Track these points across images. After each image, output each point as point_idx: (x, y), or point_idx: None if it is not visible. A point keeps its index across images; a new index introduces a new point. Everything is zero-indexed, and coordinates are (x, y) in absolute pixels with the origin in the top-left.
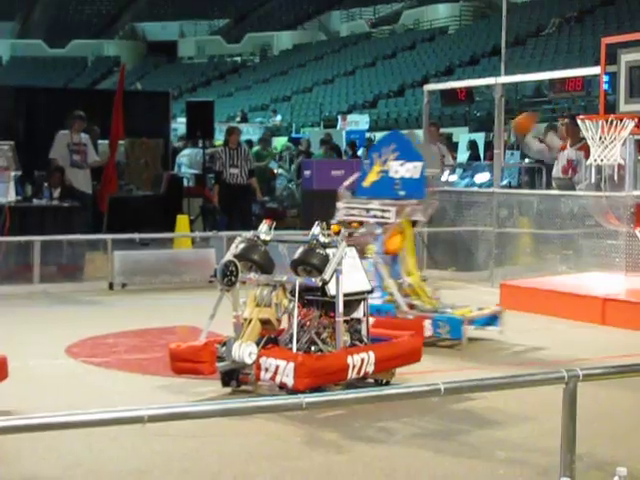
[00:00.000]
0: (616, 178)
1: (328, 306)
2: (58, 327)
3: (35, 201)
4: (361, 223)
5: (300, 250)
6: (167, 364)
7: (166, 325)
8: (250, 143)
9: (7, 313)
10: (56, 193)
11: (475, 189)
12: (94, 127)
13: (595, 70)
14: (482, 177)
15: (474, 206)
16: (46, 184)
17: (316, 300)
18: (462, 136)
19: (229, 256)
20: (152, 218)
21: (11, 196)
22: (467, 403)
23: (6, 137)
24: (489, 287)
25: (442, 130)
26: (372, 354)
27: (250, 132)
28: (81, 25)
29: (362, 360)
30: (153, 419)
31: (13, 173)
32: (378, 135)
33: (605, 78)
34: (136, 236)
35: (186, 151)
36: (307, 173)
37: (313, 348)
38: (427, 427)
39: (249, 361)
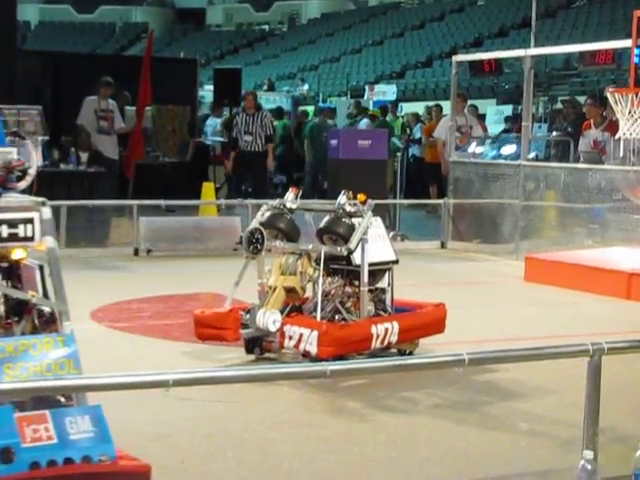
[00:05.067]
0: None
1: (353, 275)
2: (83, 292)
3: (62, 166)
4: None
5: (326, 219)
6: (191, 330)
7: (190, 292)
8: (280, 111)
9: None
10: (83, 158)
11: (502, 161)
12: (124, 92)
13: (626, 43)
14: (509, 149)
15: (501, 178)
16: (73, 149)
17: (341, 269)
18: (490, 108)
19: (255, 224)
20: (178, 185)
21: (39, 161)
22: (490, 375)
23: (34, 102)
24: (514, 260)
25: (470, 102)
26: (396, 324)
27: (277, 101)
28: None
29: (386, 330)
30: (178, 383)
31: (40, 138)
32: (405, 105)
33: (636, 51)
34: (162, 202)
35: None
36: (334, 142)
37: (337, 317)
38: (449, 398)
39: (273, 329)
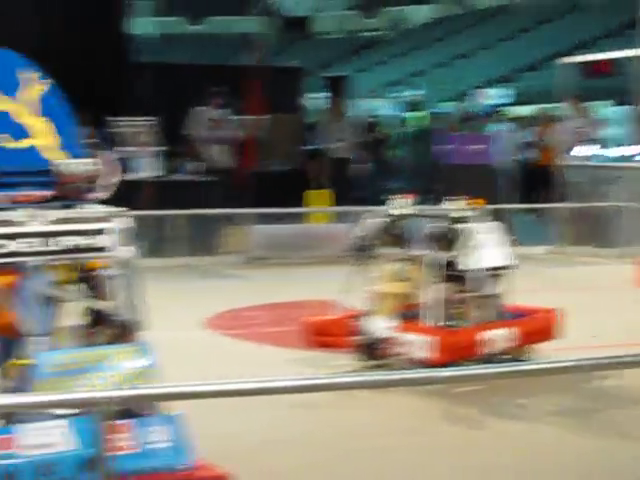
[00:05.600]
0: None
1: (464, 281)
2: (198, 300)
3: (175, 176)
4: None
5: (435, 224)
6: (302, 337)
7: (302, 299)
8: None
9: (148, 286)
10: (195, 168)
11: (618, 164)
12: (234, 102)
13: None
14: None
15: (617, 181)
16: (185, 159)
17: (452, 275)
18: (603, 110)
19: (364, 230)
20: (288, 193)
21: (152, 171)
22: (601, 381)
23: (148, 113)
24: (628, 264)
25: (582, 104)
26: (508, 330)
27: (386, 107)
28: (219, 2)
29: (498, 336)
30: (292, 390)
31: (154, 149)
32: (516, 109)
33: None
34: (273, 210)
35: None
36: (445, 147)
37: (449, 323)
38: (564, 404)
39: (384, 335)
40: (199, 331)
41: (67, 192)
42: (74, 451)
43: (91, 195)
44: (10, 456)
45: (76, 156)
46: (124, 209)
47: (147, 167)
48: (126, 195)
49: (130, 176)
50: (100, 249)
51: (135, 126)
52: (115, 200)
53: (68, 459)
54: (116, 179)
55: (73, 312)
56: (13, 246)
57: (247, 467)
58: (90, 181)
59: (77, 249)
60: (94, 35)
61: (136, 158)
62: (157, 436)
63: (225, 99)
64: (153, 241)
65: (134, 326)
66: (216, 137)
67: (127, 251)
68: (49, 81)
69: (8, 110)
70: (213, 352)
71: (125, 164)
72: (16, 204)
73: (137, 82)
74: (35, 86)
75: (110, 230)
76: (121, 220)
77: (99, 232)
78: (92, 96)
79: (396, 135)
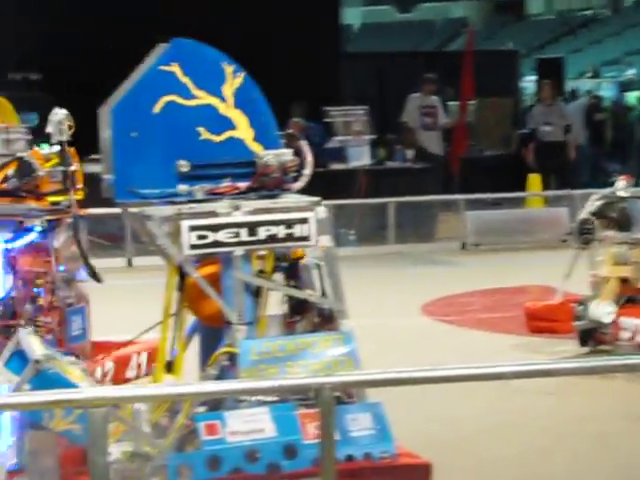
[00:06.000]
0: None
1: None
2: (413, 286)
3: (388, 164)
4: None
5: None
6: (522, 323)
7: (519, 284)
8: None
9: (364, 273)
10: (409, 155)
11: None
12: (446, 88)
13: None
14: None
15: None
16: (399, 147)
17: None
18: None
19: (585, 214)
20: (503, 178)
21: (366, 160)
22: None
23: (360, 102)
24: None
25: None
26: None
27: (602, 88)
28: None
29: None
30: (515, 376)
31: (367, 137)
32: None
33: None
34: (488, 196)
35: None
36: None
37: None
38: None
39: (607, 320)
40: (414, 318)
41: (266, 183)
42: (277, 438)
43: (287, 185)
44: (217, 442)
45: (271, 147)
46: (320, 199)
47: (361, 156)
48: (341, 184)
49: (345, 165)
50: (300, 238)
51: (348, 115)
52: (327, 189)
53: (272, 445)
54: (310, 170)
55: (276, 301)
56: (217, 236)
57: (460, 455)
58: (287, 172)
59: (278, 239)
60: (309, 26)
61: (350, 147)
62: (358, 424)
63: (437, 85)
64: (368, 229)
65: (336, 314)
66: (429, 124)
67: (326, 240)
68: (244, 74)
69: (213, 103)
70: (428, 339)
71: (340, 153)
72: (219, 195)
73: (350, 72)
74: (232, 79)
75: (309, 220)
76: (318, 210)
77: (299, 222)
78: (307, 87)
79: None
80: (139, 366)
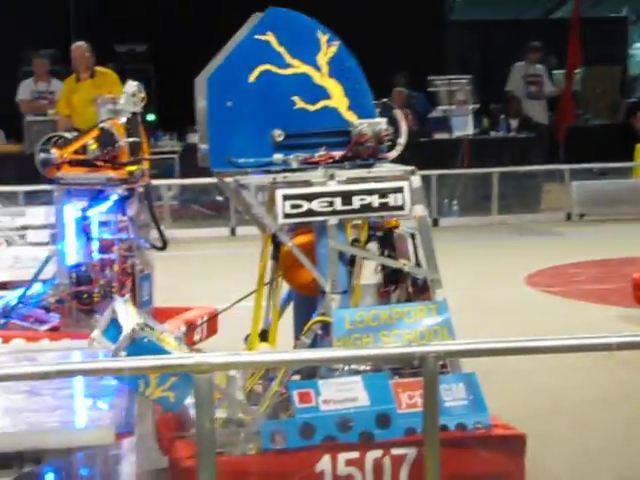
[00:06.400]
0: None
1: None
2: (517, 257)
3: (492, 134)
4: None
5: None
6: (629, 294)
7: (626, 256)
8: None
9: (467, 244)
10: (513, 125)
11: None
12: (551, 56)
13: None
14: None
15: None
16: (503, 116)
17: None
18: None
19: None
20: (610, 147)
21: (469, 129)
22: None
23: (463, 71)
24: None
25: None
26: None
27: None
28: None
29: None
30: (621, 347)
31: (471, 106)
32: None
33: None
34: (594, 166)
35: None
36: None
37: None
38: None
39: None
40: (519, 288)
41: (361, 152)
42: (370, 407)
43: (382, 155)
44: (310, 410)
45: (365, 116)
46: (414, 168)
47: (465, 125)
48: (444, 154)
49: (448, 135)
50: (394, 208)
51: (452, 84)
52: (431, 158)
53: (365, 414)
54: (405, 139)
55: (371, 270)
56: (311, 205)
57: (557, 426)
58: (381, 141)
59: (372, 208)
60: None
61: (454, 116)
62: (452, 394)
63: (543, 54)
64: (471, 199)
65: (431, 284)
66: (534, 92)
67: (420, 209)
68: (338, 42)
69: (308, 72)
70: (533, 310)
71: (443, 123)
72: (313, 164)
73: (454, 40)
74: (326, 48)
75: (403, 189)
76: (413, 179)
77: (393, 191)
78: (410, 56)
79: None
80: (202, 330)
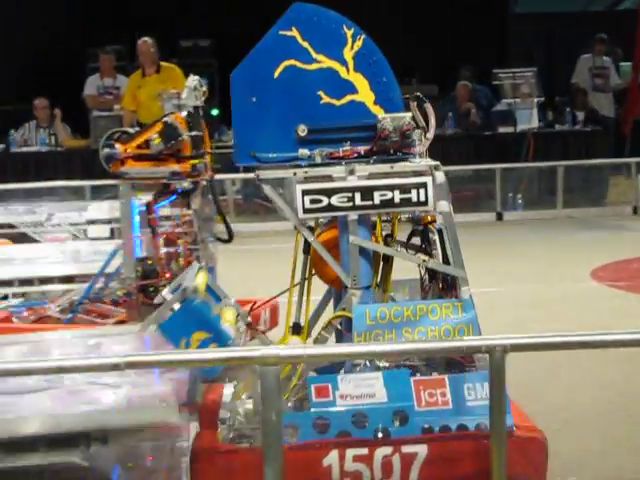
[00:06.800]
0: None
1: None
2: (583, 251)
3: (557, 126)
4: None
5: None
6: None
7: None
8: None
9: (532, 238)
10: (579, 117)
11: None
12: (616, 49)
13: None
14: None
15: None
16: (568, 109)
17: None
18: None
19: None
20: None
21: (534, 122)
22: None
23: (528, 64)
24: None
25: None
26: None
27: None
28: None
29: None
30: None
31: (536, 99)
32: None
33: None
34: None
35: None
36: None
37: None
38: None
39: None
40: (584, 283)
41: (386, 146)
42: (388, 403)
43: (407, 149)
44: (326, 404)
45: (392, 110)
46: (438, 163)
47: (529, 118)
48: (509, 147)
49: (513, 128)
50: (417, 203)
51: (517, 77)
52: (495, 152)
53: (382, 411)
54: (433, 133)
55: (403, 267)
56: (331, 200)
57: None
58: (405, 135)
59: (393, 203)
60: None
61: (518, 109)
62: (475, 393)
63: (609, 46)
64: (536, 193)
65: (457, 281)
66: (600, 85)
67: (445, 205)
68: (364, 37)
69: (334, 67)
70: (598, 304)
71: (508, 116)
72: (338, 159)
73: (519, 33)
74: (352, 42)
75: (427, 184)
76: (437, 175)
77: (416, 186)
78: (475, 49)
79: None
80: (265, 322)
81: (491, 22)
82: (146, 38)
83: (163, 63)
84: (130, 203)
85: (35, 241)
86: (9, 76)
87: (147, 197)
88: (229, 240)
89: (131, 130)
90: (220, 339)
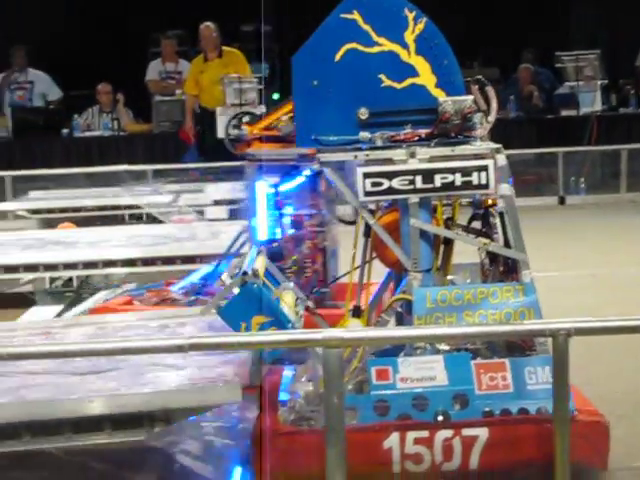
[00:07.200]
0: None
1: None
2: None
3: (621, 110)
4: None
5: None
6: None
7: None
8: None
9: (595, 222)
10: None
11: None
12: None
13: None
14: None
15: None
16: (632, 92)
17: None
18: None
19: None
20: None
21: (597, 105)
22: None
23: (591, 47)
24: None
25: None
26: None
27: None
28: None
29: None
30: None
31: (599, 82)
32: None
33: None
34: None
35: None
36: None
37: None
38: None
39: None
40: None
41: (447, 129)
42: (448, 386)
43: (468, 132)
44: (386, 386)
45: (454, 93)
46: (500, 146)
47: (592, 101)
48: (572, 130)
49: (575, 111)
50: (478, 186)
51: (579, 60)
52: (558, 135)
53: (442, 394)
54: (494, 116)
55: (461, 251)
56: (392, 184)
57: None
58: (466, 118)
59: (455, 186)
60: None
61: (581, 92)
62: (537, 377)
63: None
64: (599, 177)
65: (518, 264)
66: None
67: (506, 188)
68: (426, 20)
69: (395, 50)
70: None
71: (570, 99)
72: (399, 142)
73: (581, 15)
74: (413, 25)
75: (488, 167)
76: (498, 157)
77: (477, 169)
78: (537, 32)
79: None
80: None
81: (554, 4)
82: (208, 23)
83: (225, 48)
84: (256, 185)
85: (160, 222)
86: (72, 61)
87: (274, 179)
88: (353, 222)
89: (257, 112)
90: (280, 322)
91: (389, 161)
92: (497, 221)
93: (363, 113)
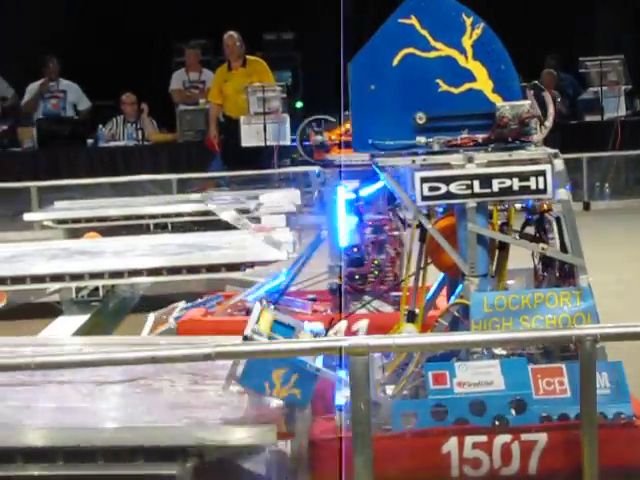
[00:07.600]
0: None
1: None
2: None
3: None
4: None
5: None
6: None
7: None
8: None
9: (619, 227)
10: None
11: None
12: None
13: None
14: None
15: None
16: None
17: None
18: None
19: None
20: None
21: (622, 110)
22: None
23: (615, 52)
24: None
25: None
26: None
27: None
28: None
29: None
30: None
31: (623, 87)
32: None
33: None
34: None
35: None
36: None
37: None
38: None
39: None
40: None
41: (504, 134)
42: (506, 391)
43: (526, 137)
44: (444, 391)
45: (511, 98)
46: (557, 151)
47: (617, 106)
48: (596, 136)
49: (600, 117)
50: (536, 191)
51: (603, 65)
52: (582, 141)
53: (500, 399)
54: (552, 121)
55: (522, 255)
56: (449, 188)
57: None
58: (524, 123)
59: (512, 191)
60: None
61: (605, 98)
62: None
63: None
64: (623, 182)
65: (575, 269)
66: None
67: (564, 193)
68: (483, 25)
69: (452, 55)
70: None
71: (594, 105)
72: (456, 147)
73: (606, 20)
74: (471, 30)
75: (546, 172)
76: (555, 162)
77: (535, 174)
78: (561, 37)
79: None
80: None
81: (577, 9)
82: (232, 32)
83: (249, 56)
84: (336, 190)
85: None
86: (97, 72)
87: (353, 184)
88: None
89: (331, 118)
90: (297, 367)
91: (446, 166)
92: (553, 226)
93: (420, 118)
